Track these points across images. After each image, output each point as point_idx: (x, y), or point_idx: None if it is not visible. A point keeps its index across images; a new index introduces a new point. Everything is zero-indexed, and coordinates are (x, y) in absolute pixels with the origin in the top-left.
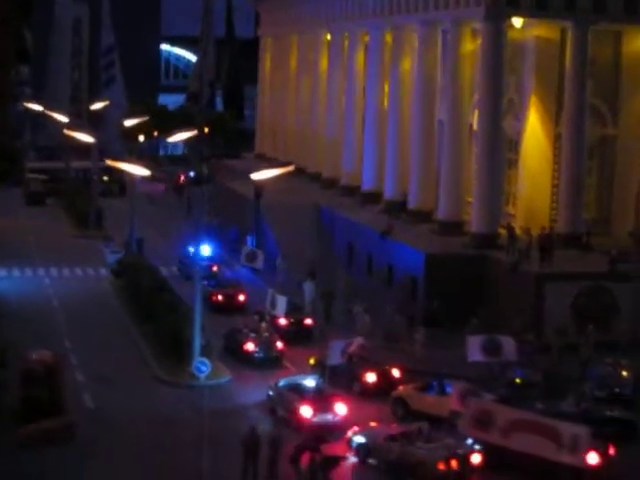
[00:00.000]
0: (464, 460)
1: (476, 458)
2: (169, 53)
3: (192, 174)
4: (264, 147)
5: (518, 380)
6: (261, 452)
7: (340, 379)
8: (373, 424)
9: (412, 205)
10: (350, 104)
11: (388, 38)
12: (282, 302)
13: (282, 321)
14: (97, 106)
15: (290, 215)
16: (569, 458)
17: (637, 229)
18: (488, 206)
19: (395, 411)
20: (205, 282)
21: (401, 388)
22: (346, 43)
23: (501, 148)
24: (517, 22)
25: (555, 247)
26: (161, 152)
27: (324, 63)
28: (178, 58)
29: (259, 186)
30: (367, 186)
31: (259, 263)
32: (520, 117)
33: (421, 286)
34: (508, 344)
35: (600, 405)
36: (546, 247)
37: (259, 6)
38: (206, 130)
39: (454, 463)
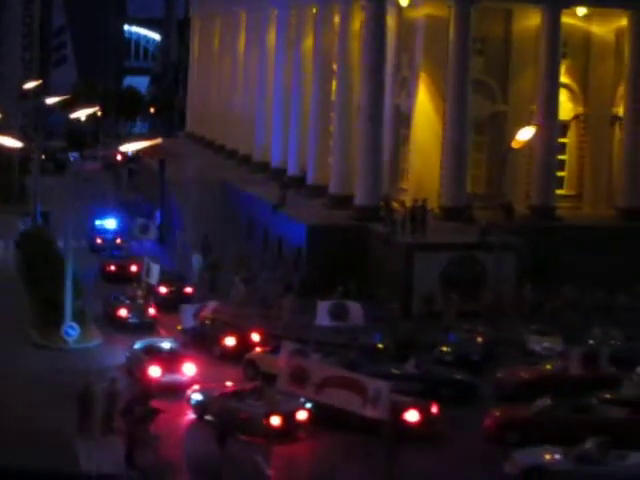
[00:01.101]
0: (290, 416)
1: (302, 414)
2: (138, 35)
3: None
4: (193, 126)
5: (380, 345)
6: (96, 407)
7: (202, 342)
8: (229, 384)
9: (310, 180)
10: (261, 82)
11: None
12: (155, 270)
13: (162, 289)
14: (29, 85)
15: (196, 190)
16: (372, 412)
17: (506, 201)
18: (369, 180)
19: (246, 372)
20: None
21: (254, 351)
22: (259, 21)
23: (381, 123)
24: (404, 1)
25: (427, 219)
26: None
27: (242, 42)
28: (148, 40)
29: (162, 160)
30: (276, 162)
31: (151, 235)
32: (412, 94)
33: (303, 256)
34: (355, 309)
35: (441, 368)
36: (417, 218)
37: None
38: (152, 110)
39: (279, 419)
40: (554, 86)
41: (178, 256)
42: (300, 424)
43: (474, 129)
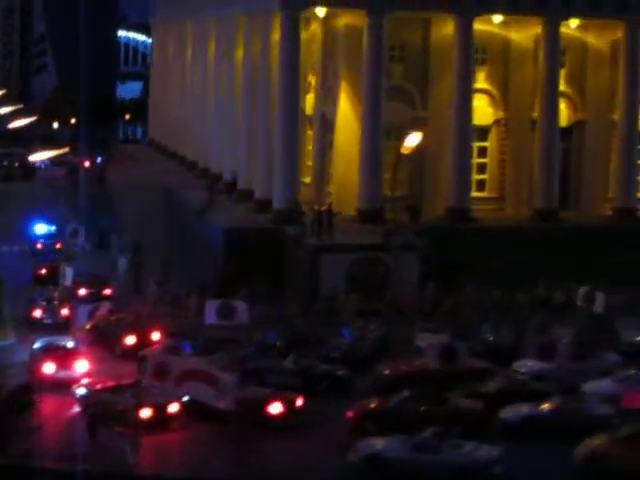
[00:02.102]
0: (161, 409)
1: (174, 407)
2: (136, 41)
3: (99, 159)
4: (154, 133)
5: (278, 343)
6: None
7: (106, 340)
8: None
9: (240, 185)
10: (203, 91)
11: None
12: (69, 273)
13: (81, 291)
14: None
15: (139, 196)
16: (223, 403)
17: (412, 203)
18: (286, 184)
19: (140, 369)
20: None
21: (147, 348)
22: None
23: (297, 129)
24: (321, 11)
25: (333, 221)
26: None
27: (189, 52)
28: (146, 45)
29: (103, 167)
30: (215, 168)
31: (81, 239)
32: (335, 101)
33: (220, 258)
34: (241, 308)
35: (319, 363)
36: (323, 221)
37: None
38: (128, 117)
39: (149, 411)
40: (468, 92)
41: (111, 259)
42: (172, 416)
43: (395, 134)
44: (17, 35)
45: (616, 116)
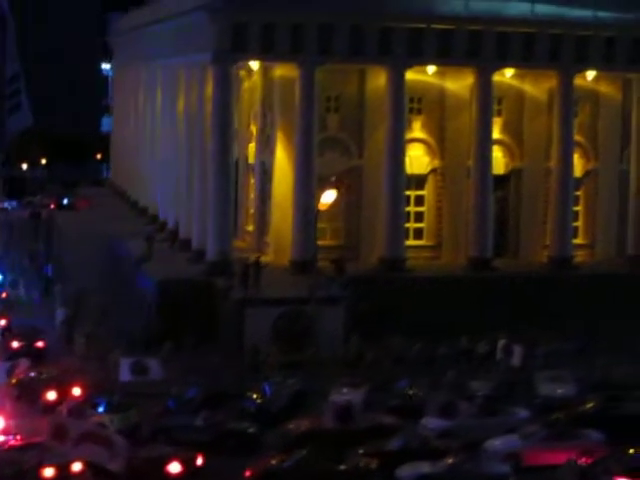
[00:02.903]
0: (64, 468)
1: (77, 466)
2: None
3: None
4: (114, 175)
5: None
6: None
7: (29, 395)
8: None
9: (181, 234)
10: (152, 136)
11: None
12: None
13: (14, 343)
14: None
15: (87, 244)
16: (113, 465)
17: (337, 256)
18: (219, 236)
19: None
20: None
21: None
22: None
23: (229, 180)
24: (254, 65)
25: (261, 274)
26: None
27: (141, 99)
28: None
29: (51, 213)
30: (162, 216)
31: (21, 289)
32: (272, 151)
33: (153, 310)
34: (154, 365)
35: (228, 420)
36: (250, 274)
37: (111, 41)
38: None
39: (52, 470)
40: (400, 141)
41: (52, 309)
42: (75, 475)
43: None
44: None
45: (552, 164)
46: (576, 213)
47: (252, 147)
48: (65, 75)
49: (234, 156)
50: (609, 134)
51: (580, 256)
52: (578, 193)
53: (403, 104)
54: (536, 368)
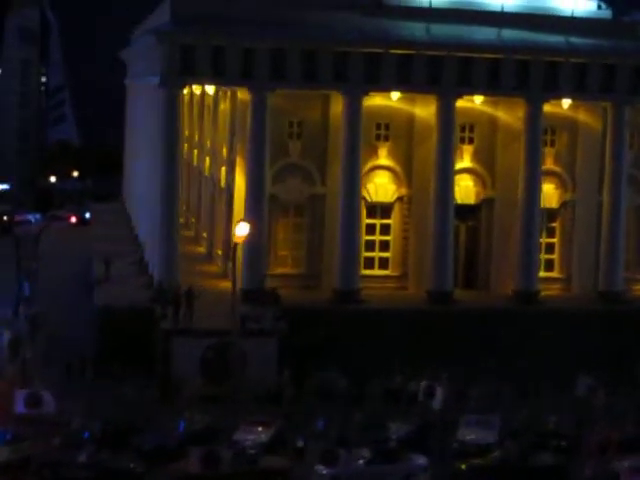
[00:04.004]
0: None
1: None
2: None
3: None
4: (124, 191)
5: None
6: None
7: None
8: None
9: (147, 257)
10: (138, 154)
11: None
12: None
13: None
14: None
15: (65, 264)
16: None
17: (272, 289)
18: (163, 260)
19: None
20: None
21: None
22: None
23: (175, 206)
24: (210, 89)
25: (194, 304)
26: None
27: (131, 116)
28: None
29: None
30: (140, 237)
31: None
32: (234, 175)
33: (93, 336)
34: (48, 398)
35: (113, 457)
36: (180, 303)
37: (123, 56)
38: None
39: None
40: (356, 169)
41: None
42: None
43: (294, 210)
44: (35, 85)
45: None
46: (552, 245)
47: (223, 170)
48: (99, 89)
49: (178, 180)
50: (587, 164)
51: (555, 290)
52: (554, 224)
53: (360, 131)
54: (464, 410)
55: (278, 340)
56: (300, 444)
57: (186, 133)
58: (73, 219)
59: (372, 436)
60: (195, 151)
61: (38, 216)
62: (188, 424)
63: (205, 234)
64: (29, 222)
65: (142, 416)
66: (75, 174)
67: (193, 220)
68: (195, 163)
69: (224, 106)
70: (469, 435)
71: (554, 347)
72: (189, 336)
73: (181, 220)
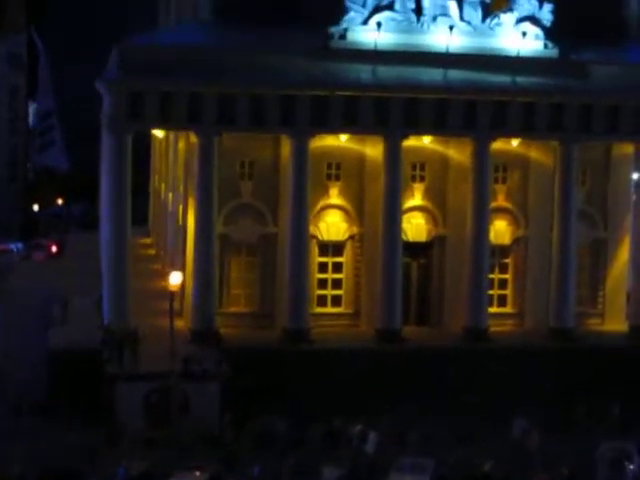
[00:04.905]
0: None
1: None
2: None
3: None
4: None
5: None
6: None
7: None
8: None
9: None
10: None
11: None
12: None
13: None
14: None
15: (24, 300)
16: None
17: (214, 330)
18: (115, 304)
19: None
20: None
21: None
22: None
23: (125, 247)
24: (159, 133)
25: (138, 346)
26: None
27: None
28: None
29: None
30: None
31: None
32: (187, 216)
33: (44, 378)
34: None
35: None
36: (125, 346)
37: None
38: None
39: None
40: (304, 209)
41: None
42: None
43: (246, 250)
44: (23, 112)
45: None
46: (504, 281)
47: (180, 208)
48: (85, 115)
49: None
50: (539, 201)
51: (508, 325)
52: (507, 260)
53: (307, 172)
54: (401, 453)
55: (221, 383)
56: None
57: (156, 165)
58: (54, 248)
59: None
60: (163, 185)
61: (20, 245)
62: (128, 470)
63: (169, 269)
64: (11, 251)
65: (85, 461)
66: (60, 201)
67: (162, 253)
68: (162, 197)
69: (181, 145)
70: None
71: (501, 385)
72: (132, 380)
73: (152, 252)
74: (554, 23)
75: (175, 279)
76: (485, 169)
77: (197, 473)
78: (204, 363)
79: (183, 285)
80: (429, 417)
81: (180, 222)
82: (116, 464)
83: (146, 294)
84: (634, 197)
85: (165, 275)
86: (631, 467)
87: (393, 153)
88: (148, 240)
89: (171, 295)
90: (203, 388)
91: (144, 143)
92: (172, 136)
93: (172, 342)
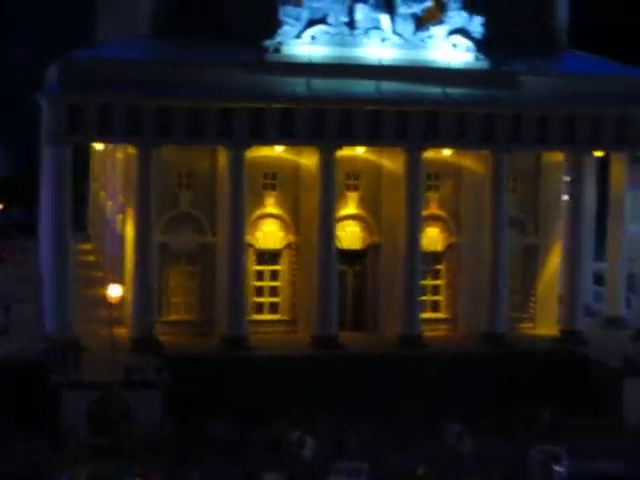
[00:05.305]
0: None
1: None
2: None
3: None
4: None
5: None
6: None
7: None
8: None
9: None
10: None
11: None
12: None
13: None
14: None
15: None
16: None
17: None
18: (57, 311)
19: None
20: None
21: None
22: None
23: (67, 257)
24: (100, 146)
25: (80, 356)
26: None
27: None
28: None
29: None
30: None
31: None
32: (126, 226)
33: None
34: None
35: None
36: (66, 356)
37: None
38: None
39: None
40: (241, 218)
41: None
42: None
43: (185, 259)
44: None
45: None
46: (438, 287)
47: (120, 218)
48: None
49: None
50: (472, 208)
51: (442, 330)
52: (440, 267)
53: (243, 182)
54: (338, 458)
55: (162, 391)
56: None
57: (95, 172)
58: None
59: None
60: (102, 192)
61: None
62: (71, 478)
63: (109, 277)
64: None
65: (29, 470)
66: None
67: (102, 260)
68: (102, 204)
69: (119, 155)
70: None
71: (435, 391)
72: (76, 389)
73: (92, 258)
74: (485, 35)
75: (114, 292)
76: (417, 178)
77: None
78: (145, 372)
79: (123, 294)
80: (365, 422)
81: (119, 231)
82: (60, 472)
83: (87, 302)
84: (564, 203)
85: (105, 283)
86: (559, 469)
87: (328, 163)
88: (88, 246)
89: (110, 306)
90: (145, 396)
91: (85, 149)
92: (111, 145)
93: (113, 352)
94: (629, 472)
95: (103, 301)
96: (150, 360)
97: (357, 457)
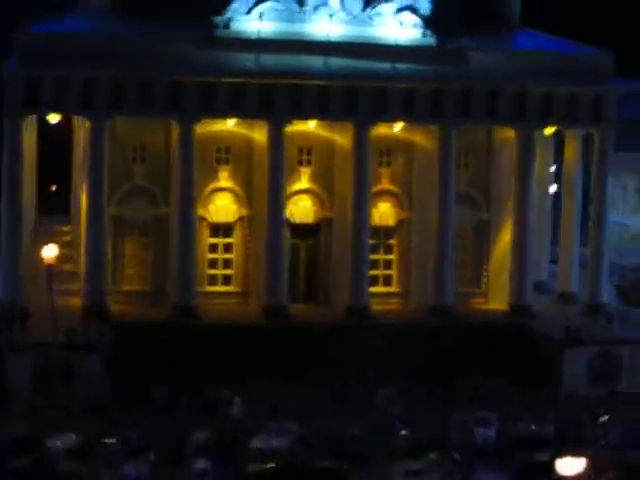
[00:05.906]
0: None
1: None
2: None
3: None
4: None
5: None
6: None
7: None
8: None
9: None
10: None
11: None
12: None
13: None
14: None
15: None
16: None
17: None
18: (8, 278)
19: None
20: None
21: None
22: None
23: (19, 226)
24: (54, 119)
25: (26, 320)
26: None
27: None
28: None
29: None
30: None
31: None
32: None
33: None
34: None
35: None
36: (12, 320)
37: None
38: None
39: None
40: (192, 191)
41: None
42: None
43: (139, 230)
44: None
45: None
46: (390, 262)
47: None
48: None
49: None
50: (423, 183)
51: (394, 304)
52: (392, 242)
53: (193, 156)
54: (271, 420)
55: (103, 353)
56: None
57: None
58: None
59: (171, 444)
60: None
61: None
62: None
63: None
64: None
65: None
66: None
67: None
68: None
69: (82, 132)
70: (264, 442)
71: (379, 360)
72: (19, 351)
73: (68, 238)
74: (434, 12)
75: (49, 252)
76: (366, 153)
77: (73, 436)
78: (88, 335)
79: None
80: (304, 388)
81: (80, 204)
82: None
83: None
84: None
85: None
86: (487, 432)
87: (277, 137)
88: (67, 228)
89: (48, 268)
90: (85, 358)
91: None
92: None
93: (54, 314)
94: (556, 435)
95: (68, 276)
96: (95, 325)
97: (290, 419)
